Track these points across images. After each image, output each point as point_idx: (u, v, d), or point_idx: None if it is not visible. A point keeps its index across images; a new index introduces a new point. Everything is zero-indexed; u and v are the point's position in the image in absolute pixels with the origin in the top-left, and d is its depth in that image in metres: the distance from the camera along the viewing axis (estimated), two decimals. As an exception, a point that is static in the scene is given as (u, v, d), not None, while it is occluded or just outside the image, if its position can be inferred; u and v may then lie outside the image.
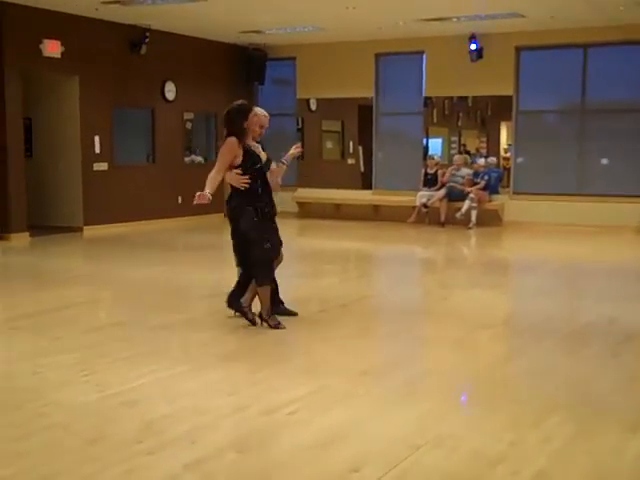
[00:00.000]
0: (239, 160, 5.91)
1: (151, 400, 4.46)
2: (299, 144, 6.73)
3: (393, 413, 4.28)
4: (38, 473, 3.45)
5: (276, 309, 6.29)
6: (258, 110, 6.14)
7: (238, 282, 6.33)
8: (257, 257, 6.03)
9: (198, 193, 5.76)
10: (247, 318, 6.19)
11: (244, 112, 5.93)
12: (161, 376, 4.91)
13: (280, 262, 6.29)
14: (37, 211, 12.59)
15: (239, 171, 5.93)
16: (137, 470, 3.48)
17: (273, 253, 6.10)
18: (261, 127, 6.13)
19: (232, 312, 6.30)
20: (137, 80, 13.71)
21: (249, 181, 5.94)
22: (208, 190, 5.79)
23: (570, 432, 3.97)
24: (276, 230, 6.19)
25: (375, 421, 4.15)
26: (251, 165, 5.94)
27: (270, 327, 6.09)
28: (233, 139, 5.90)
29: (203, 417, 4.18)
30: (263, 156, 6.08)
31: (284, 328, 6.10)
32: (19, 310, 7.12)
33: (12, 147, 11.73)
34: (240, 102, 6.08)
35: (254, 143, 6.08)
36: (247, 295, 6.20)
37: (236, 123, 5.91)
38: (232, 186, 6.05)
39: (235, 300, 6.26)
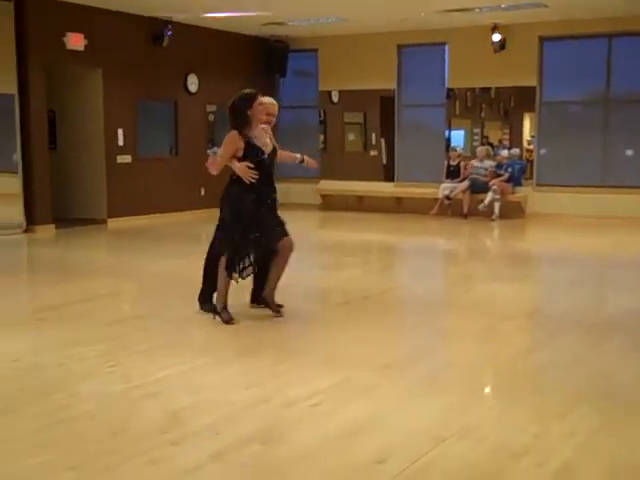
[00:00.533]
0: (240, 153, 5.86)
1: (174, 392, 4.49)
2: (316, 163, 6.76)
3: (417, 405, 4.28)
4: (64, 463, 3.48)
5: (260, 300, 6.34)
6: (264, 99, 6.08)
7: (255, 277, 6.33)
8: (233, 244, 5.93)
9: (211, 160, 5.92)
10: (273, 310, 6.24)
11: (249, 100, 5.84)
12: (184, 368, 4.94)
13: (287, 254, 6.16)
14: (61, 203, 12.68)
15: (250, 164, 5.85)
16: (161, 461, 3.50)
17: (257, 245, 6.00)
18: (268, 115, 6.10)
19: (258, 307, 6.35)
20: (160, 73, 13.76)
21: (257, 177, 5.87)
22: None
23: (595, 424, 3.96)
24: (273, 225, 6.06)
25: (399, 413, 4.15)
26: (252, 157, 5.87)
27: (222, 321, 6.02)
28: (234, 132, 5.85)
29: (226, 409, 4.20)
30: (268, 146, 6.00)
31: (236, 323, 6.01)
32: (45, 302, 7.20)
33: (36, 139, 11.81)
34: (247, 91, 5.97)
35: (262, 130, 5.99)
36: (267, 287, 6.23)
37: (240, 111, 5.83)
38: (232, 176, 5.99)
39: (258, 296, 6.33)
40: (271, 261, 6.14)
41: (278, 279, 6.21)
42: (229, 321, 6.02)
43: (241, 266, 6.00)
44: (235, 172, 5.89)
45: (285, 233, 6.14)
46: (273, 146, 6.07)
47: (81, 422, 4.01)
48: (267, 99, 6.19)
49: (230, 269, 5.97)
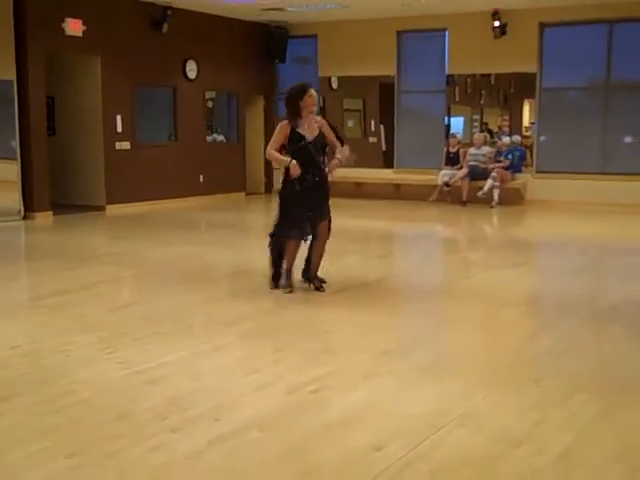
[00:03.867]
0: (286, 140, 6.56)
1: (174, 378, 4.50)
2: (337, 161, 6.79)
3: (416, 392, 4.29)
4: (63, 449, 3.48)
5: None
6: (313, 91, 6.61)
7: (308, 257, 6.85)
8: (284, 217, 6.64)
9: (293, 173, 6.42)
10: (315, 287, 6.76)
11: (301, 91, 6.54)
12: (184, 354, 4.94)
13: (322, 239, 6.72)
14: (60, 190, 12.66)
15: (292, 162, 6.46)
16: (162, 447, 3.51)
17: (302, 221, 6.61)
18: (314, 105, 6.69)
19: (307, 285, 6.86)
20: (159, 59, 13.70)
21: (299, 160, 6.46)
22: (285, 162, 6.48)
23: (595, 411, 3.96)
24: (314, 206, 6.59)
25: (398, 400, 4.16)
26: (294, 144, 6.51)
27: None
28: (284, 122, 6.60)
29: (226, 395, 4.20)
30: (314, 133, 6.54)
31: (287, 292, 6.63)
32: (44, 289, 7.19)
33: (35, 126, 11.77)
34: (300, 83, 6.73)
35: (311, 119, 6.57)
36: (311, 270, 6.80)
37: (293, 101, 6.54)
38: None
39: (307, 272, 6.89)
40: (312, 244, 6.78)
41: (319, 263, 6.81)
42: (286, 286, 6.69)
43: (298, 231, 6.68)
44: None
45: (323, 218, 6.70)
46: (319, 132, 6.59)
47: (81, 409, 4.01)
48: (314, 92, 6.71)
49: (287, 235, 6.65)
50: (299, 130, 6.52)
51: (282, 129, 6.60)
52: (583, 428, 3.74)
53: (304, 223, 6.63)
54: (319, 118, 6.78)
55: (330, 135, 6.68)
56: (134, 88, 13.31)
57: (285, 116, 6.69)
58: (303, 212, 6.57)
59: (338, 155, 6.68)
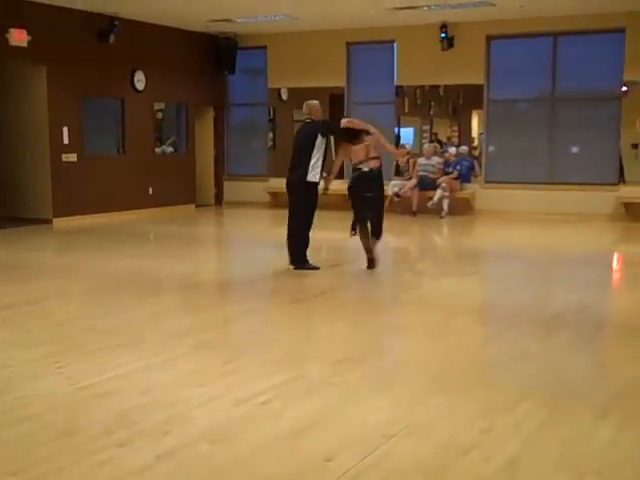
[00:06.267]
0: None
1: (124, 391, 4.44)
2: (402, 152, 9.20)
3: (366, 402, 4.29)
4: (6, 467, 3.41)
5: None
6: None
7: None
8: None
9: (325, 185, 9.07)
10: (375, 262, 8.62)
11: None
12: (134, 367, 4.88)
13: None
14: (5, 203, 12.44)
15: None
16: (110, 461, 3.45)
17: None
18: None
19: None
20: (106, 70, 13.57)
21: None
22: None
23: (542, 418, 4.01)
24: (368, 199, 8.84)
25: (348, 410, 4.16)
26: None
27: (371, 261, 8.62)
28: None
29: (176, 408, 4.16)
30: None
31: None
32: (-12, 303, 7.03)
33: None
34: None
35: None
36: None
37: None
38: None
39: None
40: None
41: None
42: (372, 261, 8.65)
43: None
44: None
45: None
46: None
47: (26, 425, 3.93)
48: None
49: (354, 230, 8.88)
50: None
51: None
52: (530, 435, 3.78)
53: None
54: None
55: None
56: (81, 99, 13.16)
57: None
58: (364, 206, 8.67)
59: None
